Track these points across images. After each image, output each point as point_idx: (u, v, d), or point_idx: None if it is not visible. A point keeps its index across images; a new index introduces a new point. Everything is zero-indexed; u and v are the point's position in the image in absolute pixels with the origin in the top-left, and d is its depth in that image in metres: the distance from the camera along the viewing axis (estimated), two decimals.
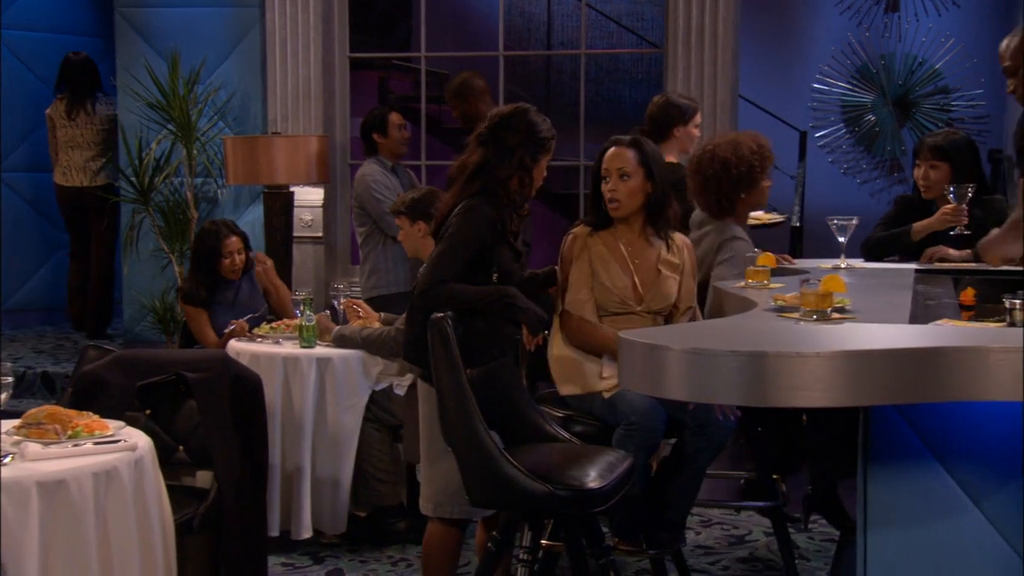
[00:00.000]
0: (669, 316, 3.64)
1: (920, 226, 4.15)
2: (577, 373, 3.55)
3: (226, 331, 4.77)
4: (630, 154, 3.56)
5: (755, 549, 4.36)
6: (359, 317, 4.57)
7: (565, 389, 3.58)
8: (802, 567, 4.09)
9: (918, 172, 4.28)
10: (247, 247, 5.09)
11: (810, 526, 4.47)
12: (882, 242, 4.26)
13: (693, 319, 3.66)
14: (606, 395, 3.48)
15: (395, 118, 5.69)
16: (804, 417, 3.77)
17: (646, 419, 3.37)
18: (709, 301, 3.79)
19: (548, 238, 5.62)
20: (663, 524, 3.56)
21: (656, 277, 3.59)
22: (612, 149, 3.60)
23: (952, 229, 4.07)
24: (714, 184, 4.00)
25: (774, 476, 3.99)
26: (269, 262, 5.30)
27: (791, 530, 4.05)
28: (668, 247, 3.64)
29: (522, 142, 3.35)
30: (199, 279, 5.01)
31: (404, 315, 4.37)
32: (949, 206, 4.04)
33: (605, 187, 3.57)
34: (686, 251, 3.68)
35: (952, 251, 4.09)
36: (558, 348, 3.61)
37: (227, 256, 4.96)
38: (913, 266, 4.02)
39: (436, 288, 3.26)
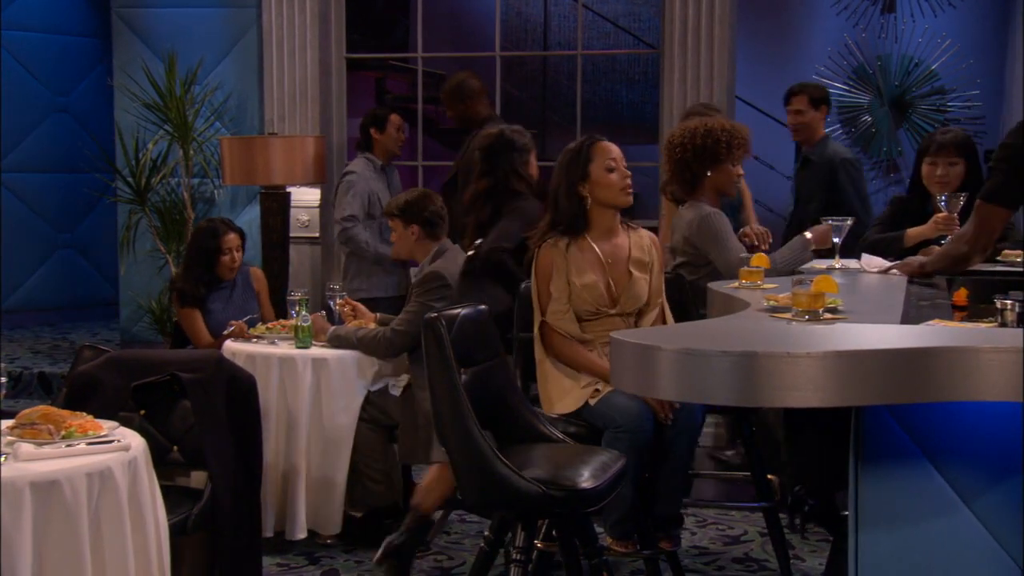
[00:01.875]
0: (639, 313, 3.65)
1: (913, 233, 4.16)
2: (567, 399, 3.57)
3: (225, 332, 4.78)
4: (617, 147, 3.66)
5: (750, 550, 4.36)
6: (354, 318, 4.57)
7: (555, 408, 3.60)
8: (796, 567, 4.09)
9: (932, 170, 4.26)
10: (244, 244, 5.11)
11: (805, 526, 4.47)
12: (876, 245, 4.27)
13: (662, 313, 3.69)
14: (591, 402, 3.49)
15: (395, 119, 5.72)
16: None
17: (633, 422, 3.37)
18: (709, 302, 3.80)
19: None
20: (657, 521, 3.56)
21: (628, 279, 3.62)
22: (610, 143, 3.64)
23: (944, 237, 4.08)
24: (679, 152, 4.11)
25: (768, 476, 4.00)
26: (263, 283, 5.30)
27: (786, 530, 4.06)
28: (639, 245, 3.67)
29: (509, 154, 4.34)
30: (196, 278, 5.00)
31: (400, 315, 4.40)
32: (941, 215, 4.05)
33: (615, 175, 3.57)
34: (655, 249, 3.71)
35: None
36: (541, 370, 3.64)
37: (226, 253, 4.98)
38: None
39: (498, 253, 3.76)
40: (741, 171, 4.22)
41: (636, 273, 3.63)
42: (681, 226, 4.21)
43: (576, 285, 3.56)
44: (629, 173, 3.61)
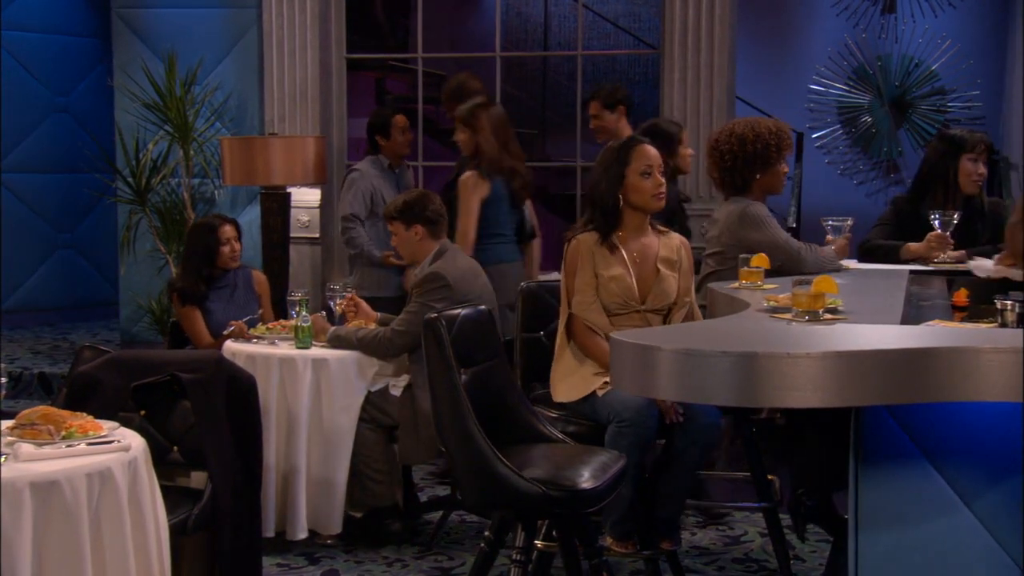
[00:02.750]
0: (667, 312, 3.66)
1: (910, 248, 4.17)
2: (573, 378, 3.57)
3: (225, 332, 4.78)
4: (657, 152, 3.66)
5: (750, 550, 4.37)
6: (356, 315, 4.57)
7: (560, 395, 3.60)
8: (797, 568, 4.09)
9: (975, 168, 4.28)
10: (240, 236, 5.14)
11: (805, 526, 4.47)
12: (874, 252, 4.29)
13: (691, 313, 3.70)
14: (600, 393, 3.49)
15: (399, 120, 5.69)
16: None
17: (639, 416, 3.37)
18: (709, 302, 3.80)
19: (546, 237, 5.63)
20: (656, 524, 3.56)
21: (656, 276, 3.64)
22: (648, 147, 3.65)
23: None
24: (729, 160, 4.09)
25: (769, 477, 4.00)
26: (265, 287, 5.29)
27: (786, 531, 4.06)
28: (668, 246, 3.68)
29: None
30: (196, 275, 5.02)
31: (400, 316, 4.40)
32: (935, 233, 4.06)
33: (649, 182, 3.59)
34: (684, 250, 3.73)
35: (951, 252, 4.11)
36: (559, 354, 3.63)
37: (225, 244, 5.02)
38: (907, 267, 4.03)
39: None
40: (786, 168, 4.22)
41: (664, 270, 3.65)
42: (721, 218, 4.20)
43: (603, 276, 3.58)
44: (663, 180, 3.63)
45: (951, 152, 4.35)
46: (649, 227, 3.70)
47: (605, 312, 3.59)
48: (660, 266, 3.66)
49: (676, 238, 3.75)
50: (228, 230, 5.05)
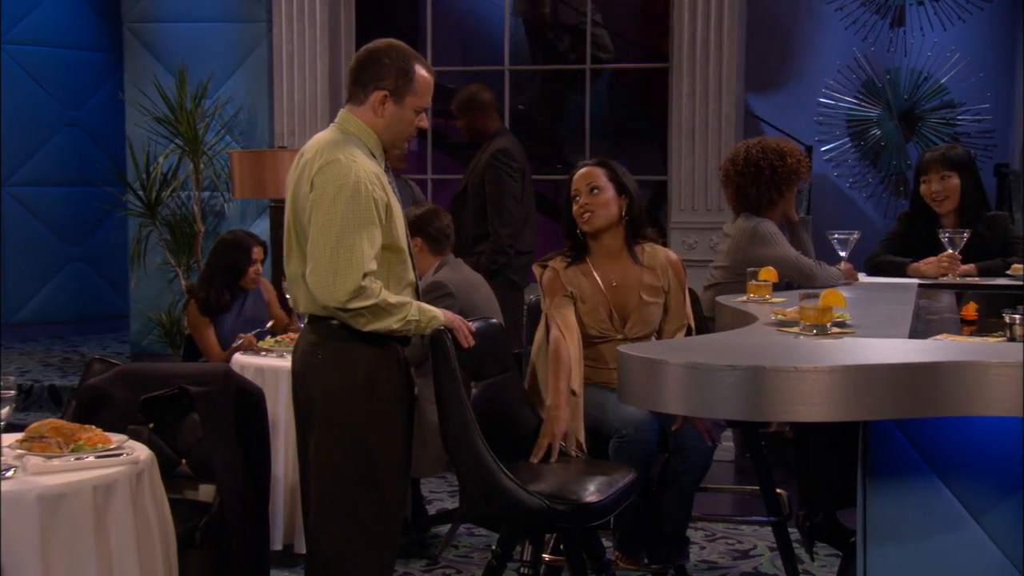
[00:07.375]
0: (659, 335, 3.65)
1: (915, 268, 4.16)
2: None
3: (234, 344, 4.79)
4: (598, 171, 3.60)
5: (759, 564, 4.35)
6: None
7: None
8: None
9: (927, 188, 4.28)
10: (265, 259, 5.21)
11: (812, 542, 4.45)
12: (881, 268, 4.29)
13: (689, 330, 3.68)
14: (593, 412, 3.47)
15: None
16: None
17: (638, 432, 3.36)
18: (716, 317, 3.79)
19: (553, 249, 5.64)
20: (662, 538, 3.55)
21: (637, 303, 3.60)
22: (580, 170, 3.63)
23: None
24: (767, 175, 4.05)
25: (778, 491, 3.99)
26: (272, 293, 5.32)
27: (795, 545, 4.04)
28: (652, 269, 3.63)
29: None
30: (221, 286, 5.05)
31: None
32: (946, 253, 4.05)
33: (576, 205, 3.59)
34: (671, 270, 3.67)
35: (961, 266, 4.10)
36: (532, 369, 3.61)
37: (254, 263, 5.09)
38: (915, 281, 4.02)
39: None
40: None
41: (647, 298, 3.60)
42: (733, 233, 4.18)
43: (580, 306, 3.55)
44: (587, 201, 3.56)
45: (916, 177, 4.39)
46: (626, 251, 3.63)
47: (585, 339, 3.53)
48: (643, 294, 3.60)
49: (661, 256, 3.66)
50: (258, 251, 5.13)
